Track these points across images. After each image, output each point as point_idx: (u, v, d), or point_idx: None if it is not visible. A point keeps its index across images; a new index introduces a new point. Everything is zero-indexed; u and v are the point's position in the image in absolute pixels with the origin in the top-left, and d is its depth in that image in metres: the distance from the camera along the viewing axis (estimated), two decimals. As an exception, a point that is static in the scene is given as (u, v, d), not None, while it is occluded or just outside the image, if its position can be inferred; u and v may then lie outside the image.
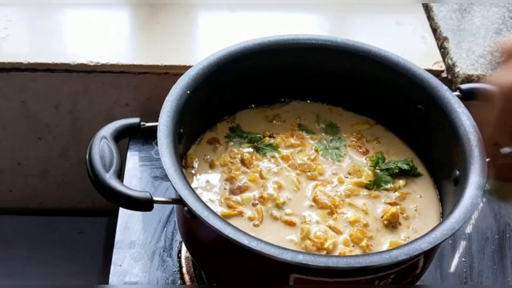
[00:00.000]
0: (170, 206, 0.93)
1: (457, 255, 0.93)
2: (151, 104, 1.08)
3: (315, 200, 0.79)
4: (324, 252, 0.74)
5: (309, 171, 0.83)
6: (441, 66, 1.07)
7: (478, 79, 1.03)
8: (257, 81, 0.90)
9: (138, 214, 0.93)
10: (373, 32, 1.14)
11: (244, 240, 0.64)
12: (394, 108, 0.89)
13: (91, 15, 1.13)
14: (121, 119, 0.78)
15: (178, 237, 0.91)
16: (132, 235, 0.91)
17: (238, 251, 0.66)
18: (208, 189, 0.81)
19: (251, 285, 0.73)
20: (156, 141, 0.73)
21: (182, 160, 0.83)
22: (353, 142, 0.88)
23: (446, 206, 0.79)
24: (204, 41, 1.12)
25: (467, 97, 0.84)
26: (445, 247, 0.93)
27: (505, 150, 0.69)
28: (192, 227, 0.75)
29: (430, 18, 1.17)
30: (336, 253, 0.74)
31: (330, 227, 0.76)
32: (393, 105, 0.89)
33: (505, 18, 1.15)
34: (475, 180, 0.72)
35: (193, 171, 0.83)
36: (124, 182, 0.85)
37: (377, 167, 0.84)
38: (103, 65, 1.04)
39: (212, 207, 0.74)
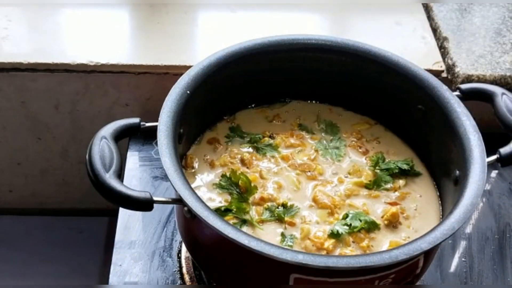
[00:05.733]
0: (170, 206, 0.93)
1: (457, 255, 0.93)
2: (151, 104, 1.08)
3: (315, 200, 0.79)
4: (324, 252, 0.74)
5: (309, 171, 0.83)
6: (441, 66, 1.07)
7: (478, 79, 1.03)
8: (257, 81, 0.90)
9: (138, 214, 0.93)
10: (373, 32, 1.14)
11: (244, 240, 0.64)
12: (394, 108, 0.89)
13: (91, 15, 1.13)
14: (121, 119, 0.78)
15: (178, 237, 0.91)
16: (132, 235, 0.91)
17: (238, 251, 0.66)
18: (208, 189, 0.80)
19: (251, 285, 0.73)
20: (156, 141, 0.73)
21: (182, 160, 0.83)
22: (353, 142, 0.88)
23: (446, 206, 0.79)
24: (204, 41, 1.12)
25: (467, 97, 0.84)
26: (445, 247, 0.93)
27: None
28: (192, 227, 0.75)
29: (430, 18, 1.17)
30: (336, 253, 0.74)
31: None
32: (393, 105, 0.89)
33: (505, 18, 1.15)
34: (475, 180, 0.72)
35: (193, 171, 0.83)
36: (124, 182, 0.85)
37: (377, 167, 0.84)
38: (103, 65, 1.04)
39: (212, 207, 0.74)
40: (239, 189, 0.79)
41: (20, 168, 1.21)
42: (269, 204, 0.78)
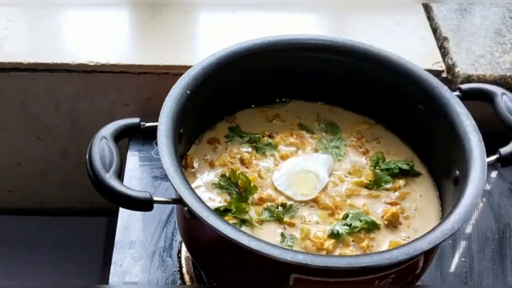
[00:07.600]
0: (170, 206, 0.93)
1: (457, 255, 0.93)
2: (151, 104, 1.08)
3: (315, 200, 0.79)
4: (324, 252, 0.74)
5: (309, 171, 0.83)
6: (441, 66, 1.07)
7: (478, 79, 1.03)
8: (257, 81, 0.89)
9: (138, 214, 0.93)
10: (373, 32, 1.14)
11: (244, 240, 0.64)
12: (394, 108, 0.89)
13: (91, 15, 1.13)
14: (121, 119, 0.78)
15: (178, 237, 0.91)
16: (132, 235, 0.91)
17: (238, 251, 0.66)
18: (208, 189, 0.80)
19: (251, 285, 0.73)
20: (156, 141, 0.73)
21: (182, 160, 0.83)
22: (353, 142, 0.88)
23: (446, 206, 0.79)
24: (204, 41, 1.12)
25: (467, 97, 0.84)
26: (445, 247, 0.93)
27: None
28: (192, 227, 0.75)
29: (430, 18, 1.17)
30: (336, 253, 0.74)
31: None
32: (393, 105, 0.89)
33: (505, 18, 1.15)
34: (475, 180, 0.72)
35: (193, 171, 0.83)
36: (124, 182, 0.85)
37: (377, 167, 0.84)
38: (103, 65, 1.04)
39: (212, 207, 0.74)
40: (238, 189, 0.79)
41: (20, 168, 1.21)
42: (269, 204, 0.78)
